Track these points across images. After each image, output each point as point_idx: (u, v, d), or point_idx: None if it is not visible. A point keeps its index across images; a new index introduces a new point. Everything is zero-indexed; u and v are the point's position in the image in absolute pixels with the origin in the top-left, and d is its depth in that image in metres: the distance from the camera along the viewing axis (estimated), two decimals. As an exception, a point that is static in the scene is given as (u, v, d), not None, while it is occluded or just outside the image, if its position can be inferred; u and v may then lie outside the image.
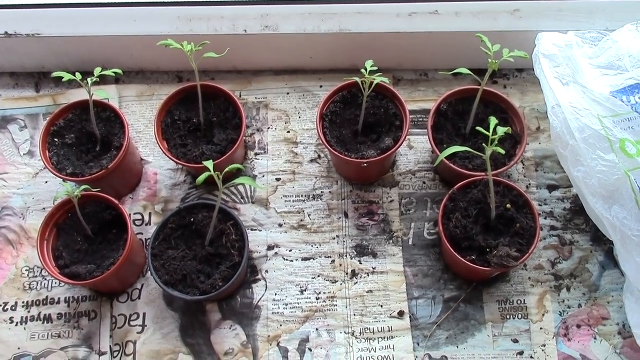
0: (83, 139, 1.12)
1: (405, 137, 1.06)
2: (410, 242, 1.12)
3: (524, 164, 1.16)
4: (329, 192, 1.17)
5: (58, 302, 1.10)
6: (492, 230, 1.01)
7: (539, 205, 1.13)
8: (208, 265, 1.04)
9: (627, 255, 0.98)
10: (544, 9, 1.12)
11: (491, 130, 0.91)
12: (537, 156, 1.16)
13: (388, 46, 1.17)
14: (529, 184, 1.15)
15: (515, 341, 1.04)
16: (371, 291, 1.09)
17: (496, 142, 0.91)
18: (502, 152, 0.90)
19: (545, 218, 1.12)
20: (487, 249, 0.99)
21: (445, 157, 1.04)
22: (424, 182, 1.16)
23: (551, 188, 1.14)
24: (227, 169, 0.95)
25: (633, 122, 0.98)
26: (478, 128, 0.93)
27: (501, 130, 0.91)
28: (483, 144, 0.92)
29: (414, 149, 1.19)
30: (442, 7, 1.13)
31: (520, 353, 1.04)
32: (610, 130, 0.97)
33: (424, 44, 1.16)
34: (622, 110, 0.98)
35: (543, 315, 1.06)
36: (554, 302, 1.07)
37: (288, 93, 1.25)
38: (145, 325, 1.08)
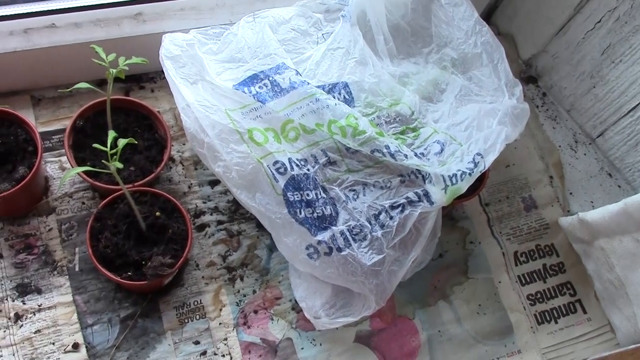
0: None
1: (39, 162, 0.99)
2: (77, 269, 1.06)
3: (183, 165, 1.16)
4: (-23, 234, 1.06)
5: None
6: (146, 242, 1.00)
7: (204, 202, 1.14)
8: None
9: (277, 237, 1.03)
10: (167, 10, 1.12)
11: (109, 144, 0.89)
12: (195, 155, 1.17)
13: (12, 66, 1.08)
14: (191, 184, 1.15)
15: (197, 343, 1.05)
16: (39, 331, 1.01)
17: (118, 155, 0.89)
18: (120, 165, 0.88)
19: (211, 214, 1.14)
20: (143, 262, 0.97)
21: (90, 176, 1.01)
22: (84, 203, 1.11)
23: (212, 184, 1.16)
24: None
25: (259, 112, 1.03)
26: (96, 145, 0.89)
27: (122, 143, 0.89)
28: (103, 161, 0.89)
29: (67, 170, 1.12)
30: (59, 19, 1.06)
31: (204, 353, 1.04)
32: (238, 123, 1.00)
33: (51, 59, 1.09)
34: (248, 102, 1.02)
35: (221, 310, 1.08)
36: (229, 295, 1.09)
37: None
38: None
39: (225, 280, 1.10)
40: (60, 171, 1.12)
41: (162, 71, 1.21)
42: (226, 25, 1.10)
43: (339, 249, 0.97)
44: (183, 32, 1.07)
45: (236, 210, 1.15)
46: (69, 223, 1.09)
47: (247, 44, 1.07)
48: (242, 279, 1.10)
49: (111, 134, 0.90)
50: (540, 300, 1.18)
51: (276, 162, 0.99)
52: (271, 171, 0.98)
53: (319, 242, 0.98)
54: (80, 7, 1.08)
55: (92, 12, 1.08)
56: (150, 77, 1.22)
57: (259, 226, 1.14)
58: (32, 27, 1.06)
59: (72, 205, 1.10)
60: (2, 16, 1.05)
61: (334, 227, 0.99)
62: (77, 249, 1.08)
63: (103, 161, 0.89)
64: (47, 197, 1.10)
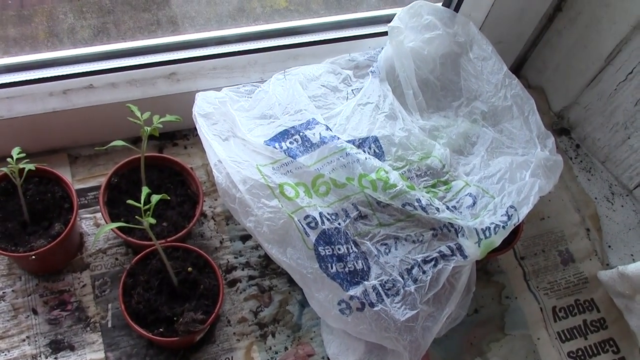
0: None
1: (75, 219, 1.01)
2: (109, 325, 1.06)
3: (215, 220, 1.17)
4: (12, 290, 1.07)
5: None
6: (178, 298, 0.99)
7: (235, 257, 1.14)
8: None
9: (309, 293, 1.02)
10: (200, 69, 1.15)
11: (142, 200, 0.90)
12: (226, 210, 1.18)
13: (51, 126, 1.12)
14: (222, 239, 1.16)
15: (228, 401, 1.03)
16: (72, 389, 1.01)
17: (151, 211, 0.90)
18: (153, 221, 0.89)
19: (242, 269, 1.14)
20: (175, 318, 0.97)
21: (124, 232, 1.02)
22: (117, 259, 1.12)
23: (244, 239, 1.17)
24: None
25: (290, 167, 1.03)
26: (129, 201, 0.91)
27: (155, 199, 0.90)
28: (137, 217, 0.90)
29: (101, 227, 1.14)
30: (96, 80, 1.10)
31: (234, 412, 1.03)
32: (269, 178, 1.01)
33: (88, 118, 1.13)
34: (279, 157, 1.03)
35: (252, 367, 1.06)
36: (261, 352, 1.08)
37: (-50, 192, 1.13)
38: None
39: (257, 337, 1.08)
40: (95, 227, 1.14)
41: (195, 128, 1.24)
42: (257, 82, 1.12)
43: (372, 304, 0.96)
44: (215, 90, 1.09)
45: (267, 266, 1.14)
46: (102, 279, 1.10)
47: (278, 100, 1.08)
48: (273, 336, 1.09)
49: (144, 190, 0.91)
50: (582, 357, 1.14)
51: (307, 216, 0.99)
52: (302, 226, 0.98)
53: (351, 297, 0.96)
54: (117, 68, 1.11)
55: (128, 72, 1.12)
56: (184, 135, 1.25)
57: (291, 281, 1.13)
58: (70, 88, 1.10)
59: (106, 261, 1.11)
60: (43, 78, 1.09)
61: (366, 282, 0.97)
62: (110, 305, 1.08)
63: (137, 217, 0.90)
64: (82, 254, 1.11)
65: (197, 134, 1.24)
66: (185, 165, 1.10)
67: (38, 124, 1.11)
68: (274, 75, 1.11)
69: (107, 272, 1.10)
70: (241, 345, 1.07)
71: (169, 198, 0.94)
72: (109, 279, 1.10)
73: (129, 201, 0.91)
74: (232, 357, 1.06)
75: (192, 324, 0.95)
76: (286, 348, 1.08)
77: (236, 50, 1.17)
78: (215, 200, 1.19)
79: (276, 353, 1.08)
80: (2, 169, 0.99)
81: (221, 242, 1.15)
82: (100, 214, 1.15)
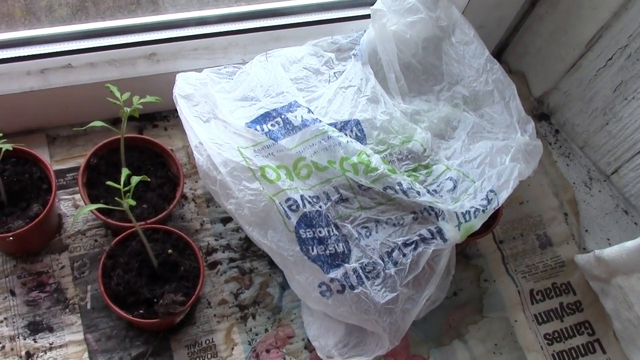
0: None
1: (53, 200, 1.00)
2: (88, 307, 1.06)
3: (195, 202, 1.17)
4: (-10, 272, 1.06)
5: None
6: (159, 280, 0.99)
7: (216, 240, 1.14)
8: None
9: (290, 275, 1.02)
10: (180, 49, 1.14)
11: (122, 181, 0.89)
12: (207, 192, 1.18)
13: (29, 106, 1.10)
14: (203, 221, 1.15)
15: (208, 382, 1.04)
16: (49, 370, 1.01)
17: (131, 193, 0.89)
18: (133, 203, 0.88)
19: (223, 252, 1.13)
20: (155, 300, 0.96)
21: (103, 213, 1.01)
22: (96, 240, 1.11)
23: (225, 221, 1.16)
24: None
25: (272, 149, 1.03)
26: (109, 183, 0.90)
27: (135, 180, 0.90)
28: (116, 198, 0.89)
29: (80, 208, 1.13)
30: (75, 59, 1.09)
31: (213, 393, 1.03)
32: (250, 160, 1.00)
33: (66, 98, 1.11)
34: (260, 139, 1.03)
35: (232, 349, 1.06)
36: (241, 333, 1.08)
37: None
38: None
39: (237, 319, 1.09)
40: (74, 209, 1.13)
41: (176, 110, 1.22)
42: (239, 64, 1.11)
43: (352, 287, 0.96)
44: (196, 71, 1.08)
45: (248, 248, 1.14)
46: (81, 261, 1.09)
47: (260, 82, 1.08)
48: (254, 317, 1.09)
49: (124, 172, 0.90)
50: (558, 339, 1.16)
51: (288, 199, 0.99)
52: (283, 208, 0.98)
53: (332, 279, 0.97)
54: (96, 47, 1.10)
55: (108, 52, 1.10)
56: (164, 116, 1.24)
57: (271, 264, 1.13)
58: (48, 67, 1.08)
59: (85, 242, 1.10)
60: (20, 57, 1.07)
61: (346, 265, 0.98)
62: (89, 287, 1.07)
63: (116, 198, 0.89)
64: (61, 235, 1.10)
65: (178, 116, 1.22)
66: (165, 147, 1.09)
67: (15, 104, 1.09)
68: (255, 57, 1.10)
69: (86, 254, 1.09)
70: (221, 327, 1.07)
71: (149, 180, 0.93)
72: (87, 261, 1.09)
73: (109, 182, 0.90)
74: (212, 339, 1.06)
75: (172, 306, 0.95)
76: (266, 330, 1.09)
77: (217, 31, 1.16)
78: (196, 182, 1.18)
79: (256, 335, 1.08)
80: (-22, 148, 0.97)
81: (202, 225, 1.15)
82: (79, 195, 1.13)
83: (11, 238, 0.96)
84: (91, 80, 1.09)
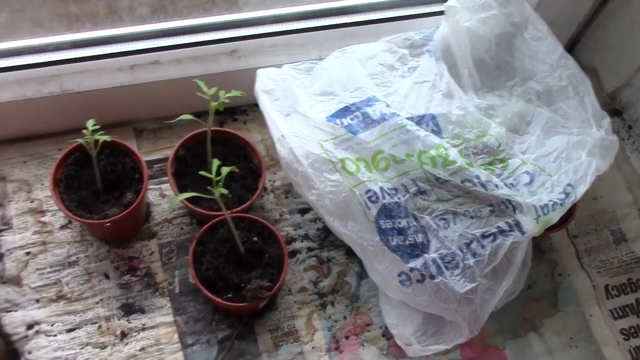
0: None
1: (145, 189, 1.05)
2: (177, 291, 1.12)
3: (274, 193, 1.21)
4: (85, 256, 1.12)
5: None
6: (244, 266, 1.04)
7: (294, 229, 1.18)
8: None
9: (369, 265, 1.06)
10: (260, 46, 1.18)
11: (214, 172, 0.94)
12: (286, 184, 1.22)
13: (118, 100, 1.16)
14: (282, 212, 1.20)
15: (290, 366, 1.08)
16: (144, 349, 1.06)
17: (222, 182, 0.94)
18: (225, 191, 0.93)
19: (302, 241, 1.18)
20: (242, 285, 1.01)
21: (190, 202, 1.06)
22: (182, 228, 1.16)
23: (303, 212, 1.20)
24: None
25: (351, 142, 1.06)
26: (202, 173, 0.95)
27: (225, 171, 0.94)
28: (209, 187, 0.94)
29: (167, 198, 1.19)
30: (162, 56, 1.14)
31: (296, 376, 1.07)
32: (331, 153, 1.04)
33: (153, 93, 1.17)
34: (339, 132, 1.06)
35: (313, 334, 1.10)
36: (321, 320, 1.12)
37: (25, 162, 1.19)
38: None
39: (317, 306, 1.12)
40: (160, 198, 1.18)
41: (255, 104, 1.27)
42: (316, 60, 1.15)
43: (432, 277, 0.99)
44: (276, 67, 1.12)
45: (326, 238, 1.18)
46: (169, 247, 1.15)
47: (338, 78, 1.11)
48: (333, 305, 1.13)
49: (215, 162, 0.95)
50: (635, 335, 1.16)
51: (368, 190, 1.02)
52: (363, 200, 1.01)
53: (411, 269, 1.00)
54: (182, 44, 1.15)
55: (192, 49, 1.15)
56: (243, 110, 1.28)
57: (348, 253, 1.17)
58: (137, 64, 1.14)
59: (172, 230, 1.16)
60: (111, 54, 1.13)
61: (425, 255, 1.00)
62: (176, 272, 1.13)
63: (208, 187, 0.94)
64: (149, 223, 1.16)
65: (256, 110, 1.28)
66: (247, 140, 1.14)
67: (106, 98, 1.16)
68: (332, 53, 1.14)
69: (173, 241, 1.15)
70: (302, 313, 1.12)
71: (237, 170, 0.98)
72: (175, 247, 1.15)
73: (201, 172, 0.95)
74: (293, 324, 1.10)
75: (259, 291, 0.99)
76: (345, 317, 1.12)
77: (294, 28, 1.20)
78: (275, 174, 1.22)
79: (335, 322, 1.12)
80: (78, 140, 1.03)
81: (281, 215, 1.19)
82: (164, 185, 1.20)
83: (108, 224, 1.02)
84: (177, 76, 1.15)
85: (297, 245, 1.17)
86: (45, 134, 1.20)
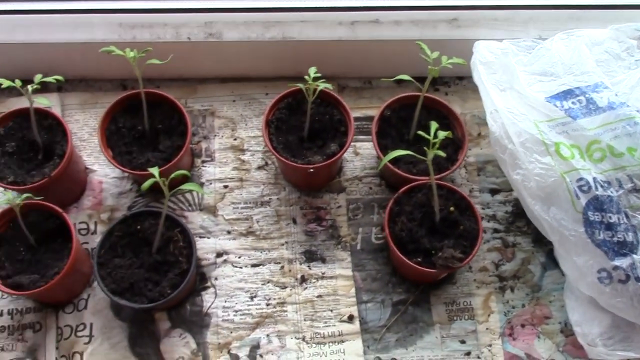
0: (25, 148, 1.09)
1: (350, 142, 1.07)
2: (358, 247, 1.14)
3: (467, 169, 1.19)
4: (277, 198, 1.17)
5: (1, 315, 1.07)
6: (437, 233, 1.03)
7: (482, 209, 1.16)
8: (156, 273, 1.02)
9: (565, 255, 1.01)
10: (481, 18, 1.16)
11: (432, 134, 0.94)
12: (479, 161, 1.20)
13: (332, 54, 1.19)
14: (472, 188, 1.18)
15: (463, 342, 1.07)
16: (321, 296, 1.10)
17: (438, 146, 0.93)
18: (443, 155, 0.93)
19: (488, 221, 1.15)
20: (433, 251, 1.01)
21: (390, 163, 1.06)
22: (371, 188, 1.18)
23: (493, 192, 1.18)
24: (173, 176, 0.95)
25: (567, 127, 1.02)
26: (420, 132, 0.95)
27: (442, 134, 0.94)
28: (425, 149, 0.94)
29: (361, 155, 1.20)
30: (383, 15, 1.15)
31: (468, 354, 1.06)
32: (546, 135, 1.00)
33: (366, 52, 1.19)
34: (557, 115, 1.02)
35: (489, 315, 1.08)
36: (499, 303, 1.09)
37: (234, 101, 1.25)
38: (93, 336, 1.06)
39: (496, 288, 1.10)
40: (354, 155, 1.21)
41: (458, 77, 1.27)
42: (537, 39, 1.11)
43: (638, 279, 0.93)
44: (496, 41, 1.10)
45: (513, 222, 1.15)
46: (355, 204, 1.17)
47: (561, 59, 1.07)
48: (512, 290, 1.10)
49: (433, 125, 0.95)
50: None
51: (580, 179, 0.97)
52: (573, 187, 0.97)
53: (615, 267, 0.94)
54: (404, 6, 1.15)
55: (413, 12, 1.15)
56: (445, 82, 1.27)
57: (535, 242, 1.13)
58: (358, 20, 1.16)
59: (361, 188, 1.18)
60: (334, 7, 1.16)
61: (634, 256, 0.94)
62: (360, 229, 1.15)
63: (425, 148, 0.94)
64: (340, 177, 1.18)
65: (458, 83, 1.27)
66: (453, 110, 1.12)
67: (321, 50, 1.18)
68: (557, 34, 1.09)
69: (361, 199, 1.17)
70: (480, 293, 1.10)
71: (451, 137, 0.97)
72: (361, 205, 1.17)
73: (420, 132, 0.95)
74: (470, 302, 1.09)
75: (450, 260, 0.98)
76: (523, 305, 1.09)
77: (519, 3, 1.17)
78: (470, 149, 1.21)
79: (513, 308, 1.09)
80: (298, 84, 1.07)
81: (470, 192, 1.17)
82: (359, 143, 1.22)
83: (311, 170, 1.06)
84: (394, 37, 1.16)
85: (483, 224, 1.14)
86: (255, 77, 1.26)
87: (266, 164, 1.20)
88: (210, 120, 1.23)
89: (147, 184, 0.91)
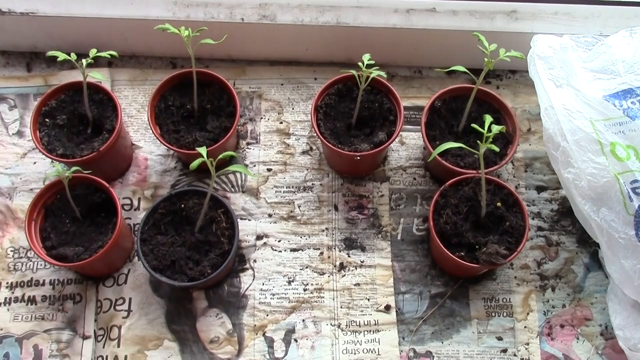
0: (75, 121, 1.10)
1: (398, 132, 1.06)
2: (399, 238, 1.13)
3: (514, 165, 1.17)
4: (320, 184, 1.17)
5: (43, 284, 1.09)
6: (481, 228, 1.02)
7: (528, 205, 1.14)
8: (197, 252, 1.03)
9: (613, 258, 0.99)
10: (540, 11, 1.13)
11: (486, 128, 0.92)
12: (527, 157, 1.18)
13: (384, 41, 1.17)
14: (519, 184, 1.16)
15: (500, 339, 1.05)
16: (359, 284, 1.09)
17: (490, 140, 0.92)
18: (497, 149, 0.91)
19: (533, 219, 1.13)
20: (477, 246, 1.00)
21: (438, 154, 1.05)
22: (415, 179, 1.17)
23: (540, 189, 1.16)
24: (220, 157, 0.95)
25: (624, 127, 0.99)
26: (473, 125, 0.94)
27: (496, 129, 0.92)
28: (477, 142, 0.93)
29: (406, 145, 1.19)
30: (440, 4, 1.13)
31: (504, 351, 1.05)
32: (601, 134, 0.98)
33: (420, 40, 1.17)
34: (614, 115, 0.99)
35: (528, 314, 1.07)
36: (538, 302, 1.08)
37: (282, 84, 1.24)
38: (131, 311, 1.07)
39: (537, 287, 1.09)
40: (399, 144, 1.19)
41: (511, 71, 1.24)
42: (597, 36, 1.08)
43: (688, 287, 0.91)
44: (555, 36, 1.07)
45: (558, 221, 1.13)
46: (399, 194, 1.16)
47: (623, 57, 1.04)
48: (553, 290, 1.08)
49: (487, 119, 0.93)
50: None
51: (635, 181, 0.95)
52: (627, 189, 0.95)
53: (665, 274, 0.92)
54: (462, -4, 1.13)
55: (471, 2, 1.13)
56: (497, 75, 1.25)
57: (580, 242, 1.11)
58: (414, 9, 1.14)
59: (405, 178, 1.17)
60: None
61: (686, 263, 0.92)
62: (402, 220, 1.14)
63: (478, 142, 0.92)
64: (384, 166, 1.17)
65: (511, 77, 1.24)
66: (506, 105, 1.10)
67: (374, 38, 1.17)
68: (619, 31, 1.06)
69: (404, 189, 1.16)
70: (520, 290, 1.08)
71: (504, 132, 0.95)
72: (404, 195, 1.16)
73: (473, 125, 0.93)
74: (509, 299, 1.08)
75: (495, 256, 0.97)
76: (564, 305, 1.08)
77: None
78: (518, 145, 1.18)
79: (553, 307, 1.07)
80: (350, 71, 1.06)
81: (516, 187, 1.16)
82: (405, 133, 1.20)
83: (358, 158, 1.05)
84: (450, 27, 1.14)
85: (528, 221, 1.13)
86: (304, 61, 1.25)
87: (311, 149, 1.19)
88: (257, 103, 1.23)
89: (195, 163, 0.92)
